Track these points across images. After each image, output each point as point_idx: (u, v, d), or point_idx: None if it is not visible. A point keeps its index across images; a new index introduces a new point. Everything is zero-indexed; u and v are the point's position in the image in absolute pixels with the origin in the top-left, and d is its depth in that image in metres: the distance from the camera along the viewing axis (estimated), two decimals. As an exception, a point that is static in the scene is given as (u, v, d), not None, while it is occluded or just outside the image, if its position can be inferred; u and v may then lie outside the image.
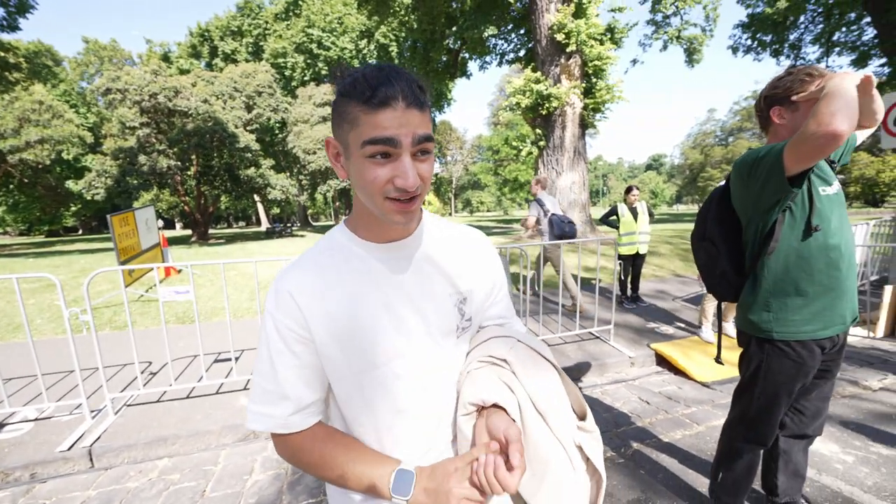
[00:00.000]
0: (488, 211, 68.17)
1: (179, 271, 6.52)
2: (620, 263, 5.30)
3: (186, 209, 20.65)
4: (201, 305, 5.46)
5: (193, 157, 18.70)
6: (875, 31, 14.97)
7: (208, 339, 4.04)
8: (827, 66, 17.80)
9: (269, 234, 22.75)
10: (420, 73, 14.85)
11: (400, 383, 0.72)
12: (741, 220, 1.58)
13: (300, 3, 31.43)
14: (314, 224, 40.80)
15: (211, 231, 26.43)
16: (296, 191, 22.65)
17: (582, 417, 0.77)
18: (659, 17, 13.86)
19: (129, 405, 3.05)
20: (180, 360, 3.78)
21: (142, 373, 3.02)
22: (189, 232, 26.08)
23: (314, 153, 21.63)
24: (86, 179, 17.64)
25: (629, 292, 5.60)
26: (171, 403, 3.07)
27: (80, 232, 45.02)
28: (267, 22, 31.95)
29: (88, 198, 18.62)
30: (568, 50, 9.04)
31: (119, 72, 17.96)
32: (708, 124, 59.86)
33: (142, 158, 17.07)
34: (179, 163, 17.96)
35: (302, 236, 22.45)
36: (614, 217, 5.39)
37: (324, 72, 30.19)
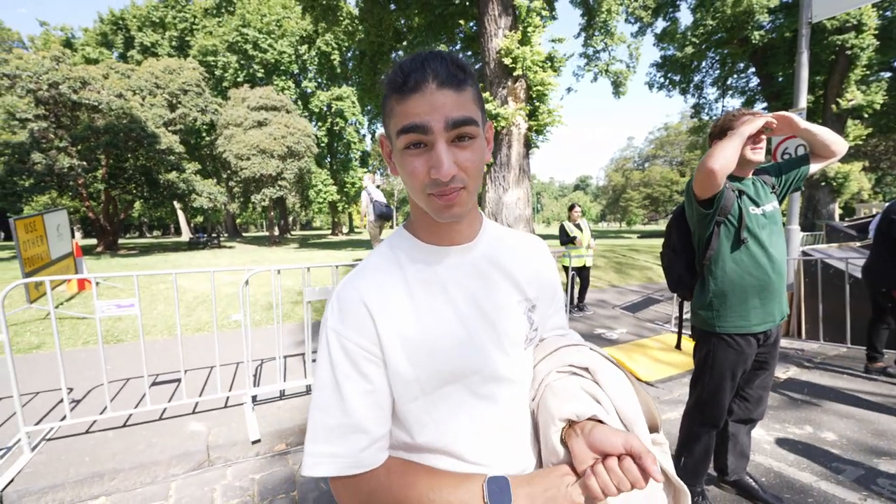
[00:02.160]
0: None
1: (98, 284, 5.72)
2: (573, 275, 5.67)
3: (91, 215, 18.17)
4: (130, 323, 4.83)
5: (102, 157, 16.62)
6: (759, 80, 17.89)
7: (142, 359, 3.60)
8: (723, 107, 20.89)
9: (192, 245, 20.76)
10: (367, 83, 14.75)
11: (475, 400, 0.68)
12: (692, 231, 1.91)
13: (234, 0, 29.81)
14: (244, 235, 38.13)
15: (121, 241, 23.50)
16: (225, 198, 21.03)
17: (653, 429, 0.72)
18: (591, 51, 15.32)
19: (48, 439, 2.60)
20: (112, 384, 3.31)
21: (66, 399, 2.60)
22: (94, 241, 22.92)
23: (248, 159, 20.35)
24: (-41, 177, 14.83)
25: (575, 301, 5.99)
26: (105, 434, 2.68)
27: (-57, 239, 37.52)
28: (195, 16, 29.81)
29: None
30: (515, 74, 9.60)
31: (8, 56, 15.54)
32: (628, 150, 66.70)
33: (36, 156, 14.78)
34: (85, 163, 15.83)
35: (231, 247, 20.84)
36: (569, 237, 5.69)
37: (259, 74, 28.73)
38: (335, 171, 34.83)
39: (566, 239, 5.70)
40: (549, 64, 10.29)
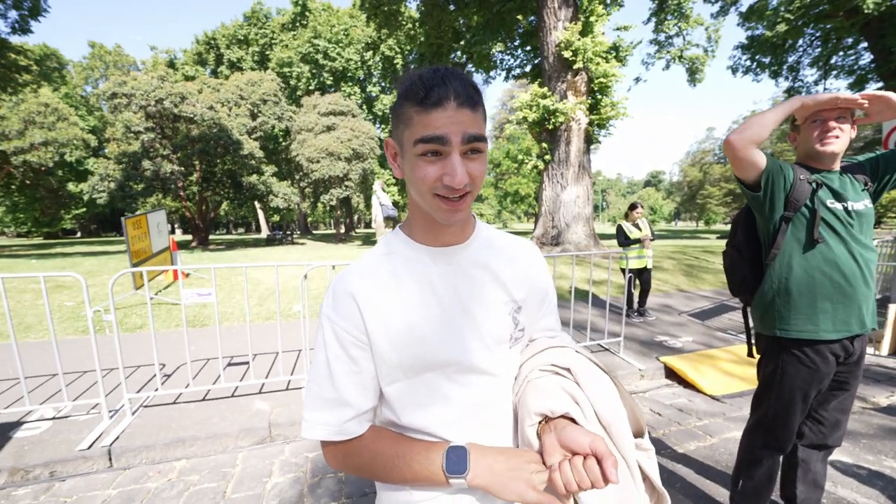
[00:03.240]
0: (487, 223, 68.37)
1: (188, 275, 6.53)
2: (630, 277, 5.36)
3: (188, 214, 20.67)
4: (213, 309, 5.47)
5: (197, 162, 18.80)
6: (871, 56, 15.38)
7: (222, 342, 4.05)
8: (825, 89, 18.26)
9: (269, 242, 22.75)
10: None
11: (454, 387, 0.72)
12: None
13: (307, 14, 31.99)
14: (314, 232, 40.79)
15: (210, 237, 26.40)
16: (297, 199, 22.73)
17: (638, 435, 0.75)
18: (662, 37, 14.22)
19: (145, 406, 3.05)
20: (195, 363, 3.78)
21: (159, 373, 3.03)
22: (189, 237, 26.03)
23: (317, 162, 21.78)
24: (89, 183, 17.68)
25: (636, 305, 5.65)
26: (188, 405, 3.07)
27: (79, 235, 44.83)
28: (273, 32, 32.44)
29: (90, 200, 18.63)
30: (574, 67, 9.24)
31: (125, 77, 18.16)
32: (707, 142, 60.75)
33: (146, 163, 17.15)
34: (183, 168, 18.05)
35: (303, 244, 22.44)
36: (629, 237, 5.33)
37: (328, 81, 30.57)
38: (397, 172, 35.96)
39: (625, 240, 5.37)
40: (614, 54, 9.78)
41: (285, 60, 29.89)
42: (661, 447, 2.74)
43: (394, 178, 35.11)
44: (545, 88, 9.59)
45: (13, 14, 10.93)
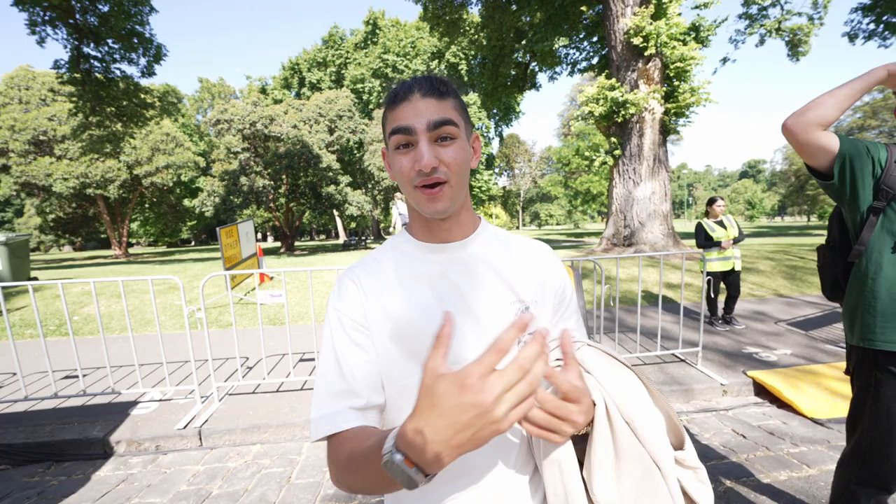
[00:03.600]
0: (557, 224, 66.08)
1: (272, 278, 7.26)
2: (709, 280, 4.81)
3: (277, 223, 22.96)
4: (289, 309, 6.02)
5: (284, 176, 20.81)
6: None
7: (295, 340, 4.44)
8: (983, 48, 14.63)
9: (345, 247, 24.35)
10: (489, 87, 15.07)
11: None
12: None
13: (377, 31, 33.81)
14: (385, 237, 42.70)
15: (296, 243, 28.98)
16: (370, 206, 24.06)
17: (677, 446, 0.65)
18: (754, 9, 12.58)
19: (230, 394, 3.45)
20: (271, 358, 4.19)
21: (241, 367, 3.41)
22: (278, 244, 28.87)
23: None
24: (199, 198, 20.47)
25: (720, 312, 5.06)
26: (264, 396, 3.41)
27: (193, 243, 52.07)
28: (348, 52, 34.78)
29: (200, 213, 21.56)
30: (646, 53, 8.58)
31: (226, 105, 20.76)
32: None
33: (243, 179, 19.41)
34: (272, 182, 20.11)
35: (374, 248, 23.67)
36: (709, 237, 4.75)
37: (398, 93, 31.98)
38: (464, 176, 36.38)
39: (705, 241, 4.80)
40: (693, 35, 8.91)
41: (358, 77, 31.88)
42: (740, 474, 2.43)
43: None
44: (613, 80, 9.03)
45: (142, 61, 13.01)
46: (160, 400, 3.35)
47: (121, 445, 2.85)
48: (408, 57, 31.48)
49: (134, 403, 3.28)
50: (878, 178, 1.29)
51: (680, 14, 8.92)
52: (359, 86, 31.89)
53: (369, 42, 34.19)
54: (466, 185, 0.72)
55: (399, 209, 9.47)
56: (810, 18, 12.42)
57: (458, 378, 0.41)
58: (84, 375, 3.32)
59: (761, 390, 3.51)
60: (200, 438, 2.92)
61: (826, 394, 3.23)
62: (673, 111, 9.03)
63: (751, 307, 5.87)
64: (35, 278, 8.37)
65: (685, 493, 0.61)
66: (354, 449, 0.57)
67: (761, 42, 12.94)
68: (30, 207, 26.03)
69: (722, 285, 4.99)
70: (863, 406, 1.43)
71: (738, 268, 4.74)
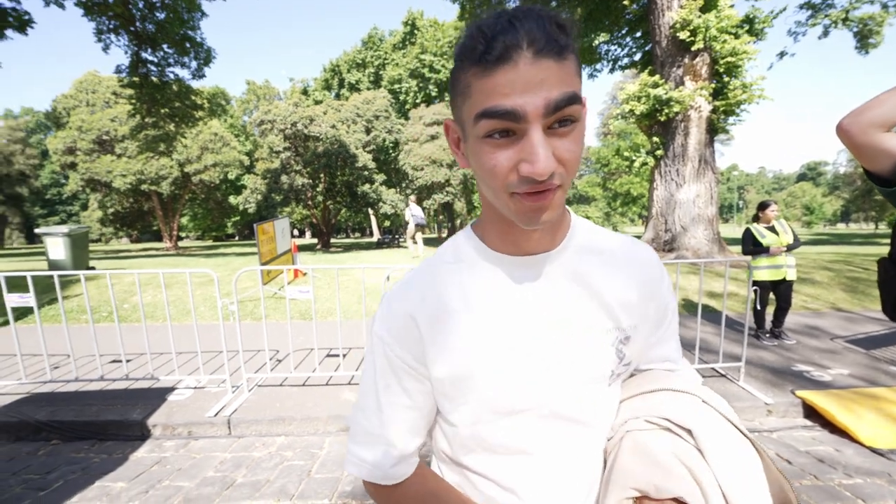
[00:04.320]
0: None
1: (305, 274, 7.48)
2: (756, 290, 4.47)
3: (314, 220, 23.71)
4: (318, 305, 6.17)
5: (322, 175, 21.44)
6: None
7: (322, 335, 4.54)
8: None
9: (378, 245, 24.80)
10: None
11: (531, 434, 0.58)
12: None
13: (416, 32, 34.13)
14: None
15: (332, 240, 29.84)
16: (403, 204, 24.36)
17: None
18: (817, -1, 11.63)
19: (259, 385, 3.57)
20: (299, 352, 4.30)
21: (270, 359, 3.52)
22: (315, 240, 29.84)
23: (421, 169, 23.03)
24: (243, 195, 21.51)
25: (768, 325, 4.69)
26: (291, 389, 3.50)
27: (237, 238, 54.77)
28: (386, 52, 35.36)
29: (244, 210, 22.66)
30: (693, 48, 8.12)
31: (270, 106, 21.66)
32: None
33: (283, 178, 20.18)
34: (311, 181, 20.78)
35: (406, 247, 23.95)
36: (757, 243, 4.41)
37: (433, 93, 32.11)
38: (497, 175, 36.10)
39: (753, 248, 4.44)
40: (747, 28, 8.34)
41: (395, 77, 32.33)
42: (784, 503, 2.22)
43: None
44: (656, 76, 8.62)
45: (193, 64, 13.81)
46: (195, 388, 3.52)
47: (157, 429, 3.01)
48: (445, 56, 31.57)
49: (171, 389, 3.46)
50: None
51: (732, 6, 8.37)
52: (396, 86, 32.35)
53: (407, 42, 34.59)
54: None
55: (413, 211, 10.33)
56: (884, 6, 11.30)
57: None
58: (128, 361, 3.54)
59: (811, 413, 3.22)
60: (229, 427, 3.03)
61: (888, 420, 2.91)
62: (722, 109, 8.50)
63: (804, 321, 5.42)
64: (93, 267, 9.07)
65: None
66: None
67: (825, 34, 11.93)
68: (93, 202, 28.36)
69: (771, 296, 4.62)
70: None
71: (790, 277, 4.36)
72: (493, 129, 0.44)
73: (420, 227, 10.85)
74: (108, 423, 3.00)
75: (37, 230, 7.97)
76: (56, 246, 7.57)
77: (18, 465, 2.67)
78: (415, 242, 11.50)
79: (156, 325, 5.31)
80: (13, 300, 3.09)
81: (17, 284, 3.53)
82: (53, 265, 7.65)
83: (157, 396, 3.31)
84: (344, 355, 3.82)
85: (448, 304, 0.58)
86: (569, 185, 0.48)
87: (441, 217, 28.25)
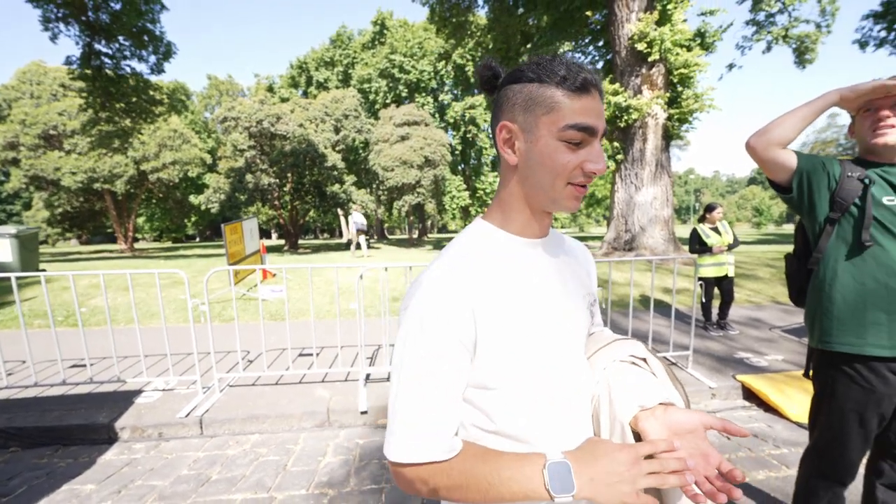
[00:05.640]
0: (562, 227, 66.02)
1: (275, 275, 7.38)
2: (701, 285, 4.88)
3: (281, 221, 23.13)
4: (289, 305, 6.13)
5: (289, 175, 20.97)
6: None
7: (294, 335, 4.55)
8: None
9: (348, 246, 24.50)
10: (494, 90, 15.13)
11: (549, 387, 0.69)
12: None
13: (385, 32, 33.97)
14: (389, 237, 42.91)
15: (300, 241, 29.19)
16: (374, 205, 24.21)
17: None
18: (761, 16, 12.60)
19: (231, 385, 3.56)
20: (272, 352, 4.30)
21: (242, 359, 3.52)
22: (283, 242, 29.08)
23: (392, 170, 22.98)
24: (205, 195, 20.70)
25: (715, 317, 5.12)
26: (263, 388, 3.52)
27: (197, 239, 52.44)
28: (355, 52, 34.97)
29: (206, 210, 21.81)
30: (650, 59, 8.65)
31: (234, 102, 20.97)
32: (828, 131, 51.95)
33: (248, 177, 19.58)
34: (278, 180, 20.27)
35: (378, 248, 23.78)
36: (703, 243, 4.82)
37: (403, 93, 32.07)
38: (468, 177, 36.44)
39: (698, 247, 4.84)
40: (698, 41, 8.96)
41: (365, 77, 32.05)
42: (721, 472, 2.50)
43: (464, 183, 35.59)
44: (616, 84, 9.10)
45: (152, 58, 13.20)
46: (164, 389, 3.47)
47: (125, 431, 2.96)
48: (415, 57, 31.62)
49: (138, 392, 3.40)
50: (833, 191, 1.38)
51: (685, 20, 8.97)
52: (365, 85, 32.06)
53: (377, 42, 34.36)
54: None
55: (355, 218, 11.80)
56: (818, 26, 12.43)
57: (632, 451, 0.60)
58: (91, 364, 3.44)
59: (750, 395, 3.58)
60: (201, 427, 3.03)
61: (810, 398, 3.30)
62: (676, 117, 9.09)
63: (747, 313, 5.92)
64: (43, 270, 8.55)
65: None
66: (476, 469, 0.62)
67: (768, 49, 12.96)
68: (38, 201, 26.43)
69: (717, 291, 5.05)
70: (820, 405, 1.53)
71: (731, 273, 4.80)
72: (575, 138, 0.62)
73: (361, 231, 13.28)
74: (73, 428, 2.92)
75: (-22, 231, 7.42)
76: (3, 248, 7.09)
77: (-25, 473, 2.57)
78: (357, 247, 13.82)
79: (119, 329, 5.11)
80: (-36, 303, 2.95)
81: (-34, 287, 3.35)
82: (0, 268, 7.16)
83: (124, 399, 3.24)
84: (317, 354, 3.87)
85: (491, 280, 0.66)
86: None
87: (412, 218, 28.26)
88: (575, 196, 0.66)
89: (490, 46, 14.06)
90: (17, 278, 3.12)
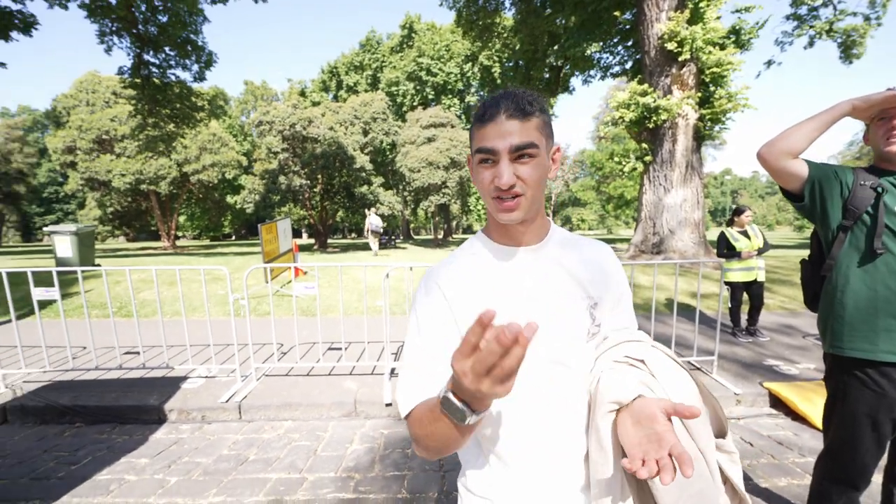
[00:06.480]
0: (590, 229, 64.65)
1: (306, 272, 7.72)
2: (731, 291, 4.78)
3: (312, 221, 23.90)
4: (320, 302, 6.41)
5: (319, 176, 21.65)
6: None
7: (324, 330, 4.79)
8: None
9: (369, 247, 25.01)
10: (521, 92, 15.10)
11: (531, 378, 0.74)
12: None
13: (413, 35, 34.43)
14: (415, 237, 43.38)
15: (329, 241, 30.00)
16: (400, 206, 24.60)
17: (720, 435, 0.76)
18: (803, 10, 12.02)
19: (266, 375, 3.82)
20: (304, 345, 4.55)
21: (276, 351, 3.77)
22: (313, 241, 29.99)
23: (418, 171, 23.29)
24: (241, 195, 21.69)
25: (743, 323, 4.99)
26: (296, 378, 3.76)
27: (233, 238, 54.73)
28: (384, 55, 35.60)
29: (241, 210, 22.82)
30: (680, 59, 8.46)
31: (268, 107, 21.85)
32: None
33: (281, 178, 20.36)
34: (309, 182, 20.98)
35: (404, 248, 24.14)
36: (731, 247, 4.69)
37: (430, 96, 32.41)
38: (494, 178, 36.33)
39: (726, 251, 4.70)
40: (733, 39, 8.68)
41: (393, 80, 32.59)
42: (740, 476, 2.50)
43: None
44: (645, 85, 8.95)
45: (195, 67, 14.01)
46: (206, 377, 3.76)
47: (173, 413, 3.25)
48: (442, 60, 31.90)
49: (184, 378, 3.70)
50: (846, 200, 1.41)
51: (719, 17, 8.72)
52: (393, 88, 32.60)
53: (405, 46, 34.86)
54: (541, 196, 0.79)
55: (371, 220, 13.56)
56: (867, 18, 11.72)
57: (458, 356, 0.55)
58: (143, 351, 3.78)
59: (777, 402, 3.51)
60: (240, 412, 3.28)
61: (843, 408, 3.21)
62: (708, 117, 8.84)
63: (780, 320, 5.73)
64: (98, 265, 9.27)
65: (722, 472, 0.74)
66: (423, 407, 0.69)
67: (810, 44, 12.33)
68: (91, 200, 28.39)
69: (745, 296, 4.93)
70: (833, 409, 1.55)
71: (760, 278, 4.67)
72: (482, 159, 0.74)
73: (375, 233, 15.13)
74: (128, 408, 3.24)
75: (44, 228, 8.16)
76: (64, 244, 7.77)
77: (48, 444, 2.91)
78: (374, 246, 15.39)
79: (167, 320, 5.53)
80: (39, 293, 3.33)
81: (26, 280, 3.76)
82: (61, 262, 7.85)
83: (171, 384, 3.55)
84: (346, 348, 4.08)
85: (468, 277, 0.81)
86: (533, 196, 0.74)
87: (437, 219, 28.50)
88: (500, 209, 0.73)
89: (517, 48, 14.07)
90: (82, 272, 3.47)
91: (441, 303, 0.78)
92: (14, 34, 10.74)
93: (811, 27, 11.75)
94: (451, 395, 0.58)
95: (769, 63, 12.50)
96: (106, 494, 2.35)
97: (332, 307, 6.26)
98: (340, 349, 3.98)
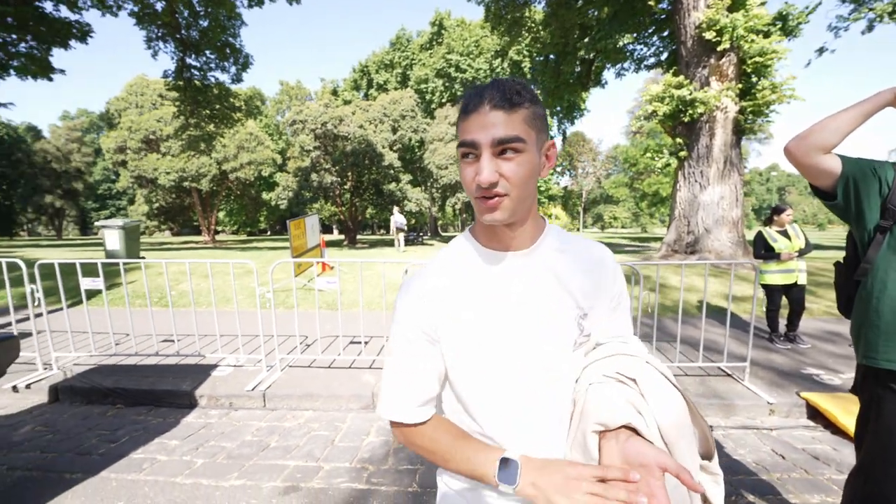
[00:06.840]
0: (622, 227, 62.58)
1: (332, 267, 7.93)
2: (768, 294, 4.51)
3: (342, 217, 24.48)
4: (343, 297, 6.57)
5: (349, 173, 22.13)
6: None
7: (346, 324, 4.91)
8: None
9: (394, 243, 25.32)
10: (551, 85, 14.83)
11: (514, 384, 0.75)
12: None
13: (443, 32, 34.41)
14: (443, 234, 43.52)
15: (358, 237, 30.63)
16: (428, 203, 24.75)
17: (706, 457, 0.74)
18: (861, -8, 11.07)
19: (290, 366, 3.96)
20: (326, 338, 4.69)
21: (300, 343, 3.91)
22: (342, 237, 30.72)
23: (446, 168, 23.35)
24: (276, 192, 22.51)
25: (782, 329, 4.70)
26: (318, 370, 3.87)
27: (269, 233, 56.86)
28: (413, 53, 35.80)
29: (276, 206, 23.68)
30: (719, 48, 8.01)
31: (302, 106, 22.50)
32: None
33: (313, 176, 20.96)
34: (339, 179, 21.49)
35: (431, 245, 24.30)
36: (769, 248, 4.42)
37: (459, 93, 32.33)
38: (522, 175, 35.88)
39: (764, 252, 4.41)
40: (779, 26, 8.15)
41: (422, 77, 32.74)
42: (767, 491, 2.38)
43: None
44: (681, 77, 8.55)
45: (233, 69, 14.62)
46: (235, 365, 3.95)
47: (203, 399, 3.44)
48: (471, 56, 31.72)
49: (214, 366, 3.90)
50: (885, 198, 1.30)
51: (764, 3, 8.20)
52: (422, 86, 32.75)
53: (434, 43, 34.91)
54: (530, 196, 0.71)
55: (396, 217, 14.04)
56: (937, -1, 10.64)
57: (580, 470, 0.63)
58: (178, 340, 4.01)
59: (816, 414, 3.29)
60: (264, 400, 3.42)
61: (890, 423, 2.97)
62: (750, 110, 8.34)
63: (824, 326, 5.36)
64: (143, 258, 9.89)
65: (704, 497, 0.72)
66: (442, 440, 0.76)
67: (869, 28, 11.34)
68: (139, 197, 30.30)
69: (784, 300, 4.64)
70: (866, 423, 1.44)
71: (801, 281, 4.37)
72: (465, 153, 0.68)
73: (400, 230, 16.11)
74: (163, 392, 3.45)
75: (96, 223, 8.82)
76: (112, 237, 8.36)
77: (92, 422, 3.15)
78: (398, 243, 16.14)
79: (199, 311, 5.84)
80: (87, 283, 3.60)
81: (76, 271, 4.06)
82: (110, 255, 8.44)
83: (203, 372, 3.75)
84: (366, 342, 4.17)
85: (452, 282, 0.77)
86: (518, 196, 0.68)
87: (465, 216, 28.46)
88: (483, 208, 0.67)
89: (547, 41, 13.78)
90: (124, 264, 3.72)
91: (422, 318, 0.76)
92: (72, 42, 11.59)
93: (870, 9, 10.80)
94: (521, 482, 0.66)
95: (821, 50, 11.60)
96: (139, 472, 2.52)
97: (354, 301, 6.40)
98: (360, 343, 4.07)
